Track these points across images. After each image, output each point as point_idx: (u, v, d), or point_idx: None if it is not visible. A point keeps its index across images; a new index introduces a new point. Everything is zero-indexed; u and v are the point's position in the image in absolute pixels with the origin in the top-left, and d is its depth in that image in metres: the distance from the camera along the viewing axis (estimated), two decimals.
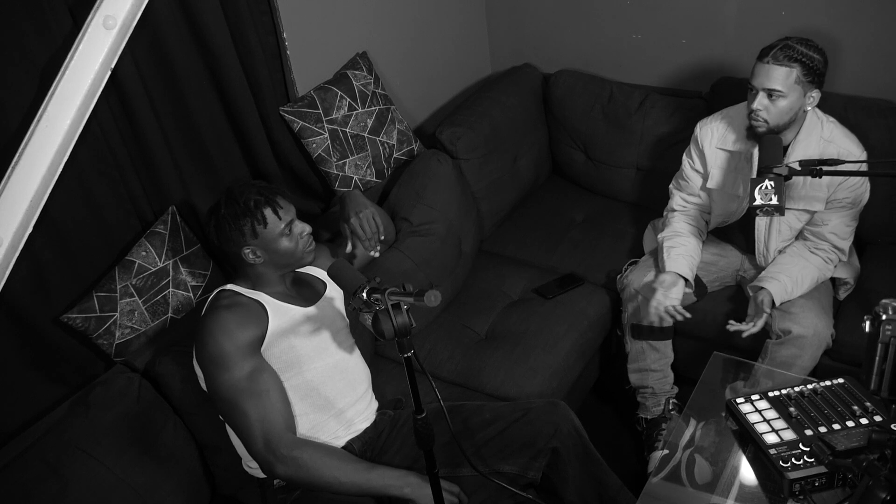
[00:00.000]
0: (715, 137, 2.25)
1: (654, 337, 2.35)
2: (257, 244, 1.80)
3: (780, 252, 2.27)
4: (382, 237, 2.13)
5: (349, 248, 2.09)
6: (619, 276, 2.45)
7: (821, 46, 2.02)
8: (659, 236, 2.37)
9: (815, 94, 2.04)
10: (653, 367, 2.39)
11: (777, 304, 2.15)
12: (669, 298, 2.20)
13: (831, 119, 2.16)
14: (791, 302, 2.17)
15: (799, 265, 2.18)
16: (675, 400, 2.42)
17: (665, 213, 2.43)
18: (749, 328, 2.13)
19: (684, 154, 2.36)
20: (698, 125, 2.31)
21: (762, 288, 2.16)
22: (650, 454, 2.38)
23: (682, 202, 2.38)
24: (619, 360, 2.63)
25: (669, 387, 2.43)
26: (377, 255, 2.14)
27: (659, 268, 2.30)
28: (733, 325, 2.14)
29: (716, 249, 2.42)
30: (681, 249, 2.27)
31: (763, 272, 2.22)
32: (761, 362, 2.18)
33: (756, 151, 2.13)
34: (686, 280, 2.25)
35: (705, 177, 2.30)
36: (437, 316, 2.48)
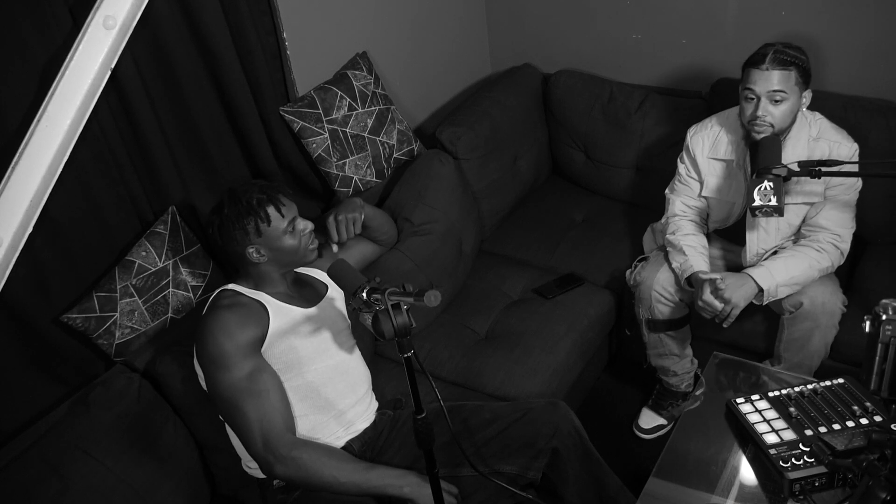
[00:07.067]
0: (706, 147, 2.26)
1: (671, 328, 2.36)
2: (261, 242, 1.81)
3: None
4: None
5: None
6: (628, 273, 2.42)
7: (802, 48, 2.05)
8: (668, 237, 2.34)
9: (808, 95, 2.07)
10: (674, 352, 2.41)
11: (763, 286, 2.11)
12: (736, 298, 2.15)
13: (819, 116, 2.17)
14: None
15: (785, 254, 2.17)
16: (700, 372, 2.44)
17: (666, 219, 2.39)
18: (719, 305, 2.12)
19: (679, 160, 2.35)
20: (689, 133, 2.31)
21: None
22: (648, 409, 2.54)
23: (683, 206, 2.35)
24: (621, 360, 2.63)
25: (689, 364, 2.45)
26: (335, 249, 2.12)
27: (670, 263, 2.30)
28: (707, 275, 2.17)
29: (721, 245, 2.43)
30: (699, 248, 2.28)
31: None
32: (778, 343, 2.21)
33: (748, 158, 2.16)
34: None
35: (701, 183, 2.30)
36: (437, 316, 2.48)
